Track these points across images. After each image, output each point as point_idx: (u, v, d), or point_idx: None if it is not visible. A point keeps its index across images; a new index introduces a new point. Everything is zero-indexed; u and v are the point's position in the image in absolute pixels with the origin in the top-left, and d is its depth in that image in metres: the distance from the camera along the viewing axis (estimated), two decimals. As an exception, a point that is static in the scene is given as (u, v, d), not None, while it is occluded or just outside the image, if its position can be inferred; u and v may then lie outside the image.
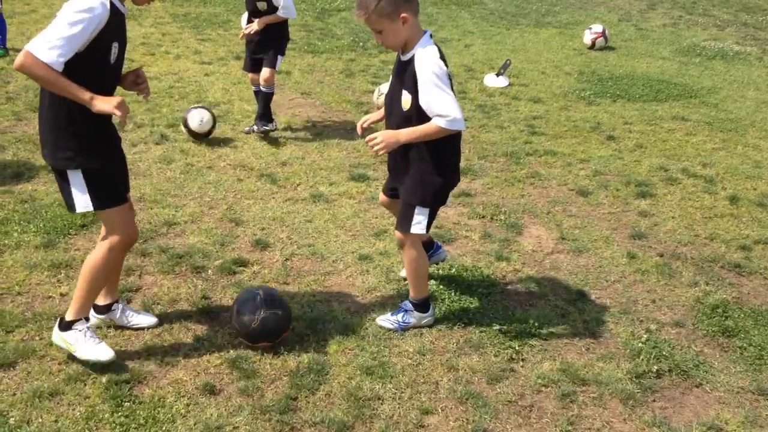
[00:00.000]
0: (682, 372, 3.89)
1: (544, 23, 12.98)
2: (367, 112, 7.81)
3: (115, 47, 3.39)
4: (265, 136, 7.00)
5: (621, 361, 3.95)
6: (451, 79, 3.69)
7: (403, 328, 4.08)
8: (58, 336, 3.66)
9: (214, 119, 6.80)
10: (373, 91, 8.16)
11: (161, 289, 4.41)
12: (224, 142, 6.85)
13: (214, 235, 5.10)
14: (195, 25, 11.52)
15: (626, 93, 8.89)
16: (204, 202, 5.61)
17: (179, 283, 4.49)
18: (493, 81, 9.10)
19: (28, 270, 4.53)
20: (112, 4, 3.29)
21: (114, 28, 3.33)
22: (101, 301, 3.89)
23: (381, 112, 4.07)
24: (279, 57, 6.87)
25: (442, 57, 3.67)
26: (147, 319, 4.01)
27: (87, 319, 3.66)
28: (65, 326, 3.63)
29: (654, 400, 3.69)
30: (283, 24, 6.85)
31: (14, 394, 3.49)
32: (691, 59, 10.76)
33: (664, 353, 4.01)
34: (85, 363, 3.62)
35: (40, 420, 3.34)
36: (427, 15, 13.12)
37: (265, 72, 6.80)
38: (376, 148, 3.65)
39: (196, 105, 7.09)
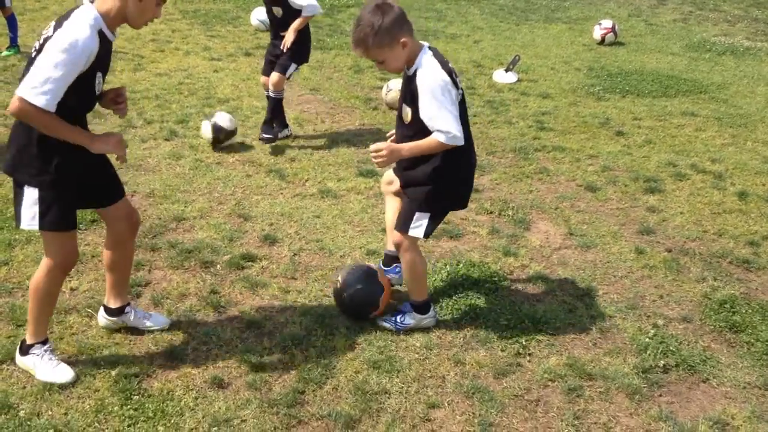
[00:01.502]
0: (689, 367, 3.89)
1: (554, 19, 12.95)
2: (375, 109, 7.85)
3: (99, 77, 3.30)
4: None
5: (628, 356, 3.96)
6: (456, 84, 3.69)
7: (402, 330, 4.09)
8: (19, 360, 3.63)
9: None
10: (381, 87, 8.17)
11: (170, 284, 4.44)
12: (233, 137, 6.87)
13: (223, 230, 5.13)
14: (204, 22, 11.57)
15: (636, 88, 8.87)
16: (213, 198, 5.64)
17: (188, 278, 4.52)
18: (502, 77, 9.09)
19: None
20: (101, 32, 3.18)
21: (101, 58, 3.23)
22: (113, 304, 3.86)
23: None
24: (293, 64, 6.56)
25: (445, 63, 3.68)
26: (160, 320, 3.99)
27: (45, 342, 3.60)
28: (24, 350, 3.60)
29: (660, 395, 3.69)
30: (306, 26, 6.53)
31: (24, 387, 3.53)
32: (701, 55, 10.72)
33: (671, 348, 4.01)
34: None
35: (50, 413, 3.38)
36: (437, 11, 13.12)
37: (274, 76, 6.56)
38: (377, 160, 3.72)
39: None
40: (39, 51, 3.14)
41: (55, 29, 3.15)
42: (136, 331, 3.94)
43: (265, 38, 10.75)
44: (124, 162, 3.46)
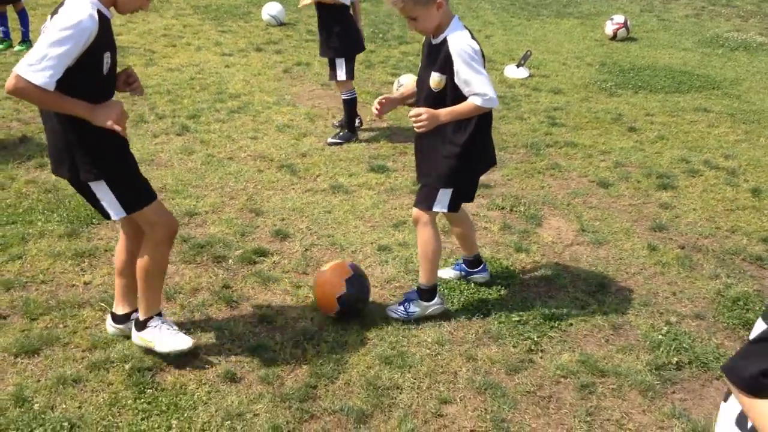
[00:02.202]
0: (702, 364, 3.87)
1: (565, 14, 12.90)
2: (386, 104, 7.83)
3: (107, 57, 3.26)
4: (283, 128, 7.04)
5: (641, 352, 3.94)
6: (484, 58, 3.76)
7: (410, 318, 4.10)
8: (136, 337, 3.69)
9: None
10: (392, 83, 8.16)
11: (183, 279, 4.46)
12: (244, 133, 6.89)
13: (235, 225, 5.14)
14: (216, 17, 11.58)
15: (648, 84, 8.83)
16: (225, 193, 5.65)
17: (201, 273, 4.53)
18: (513, 72, 9.06)
19: (52, 259, 4.59)
20: (99, 12, 3.15)
21: (104, 37, 3.21)
22: (120, 310, 3.85)
23: (398, 93, 4.16)
24: (338, 61, 6.55)
25: (473, 38, 3.76)
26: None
27: (160, 314, 3.69)
28: (141, 326, 3.67)
29: (674, 392, 3.68)
30: (340, 16, 6.46)
31: (38, 381, 3.55)
32: (714, 50, 10.66)
33: (684, 345, 3.99)
34: (166, 356, 3.67)
35: (64, 406, 3.39)
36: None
37: (337, 83, 6.78)
38: (418, 125, 3.72)
39: None
40: None
41: (51, 18, 3.15)
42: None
43: (276, 33, 10.79)
44: (124, 134, 3.33)
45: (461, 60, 3.64)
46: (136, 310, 3.86)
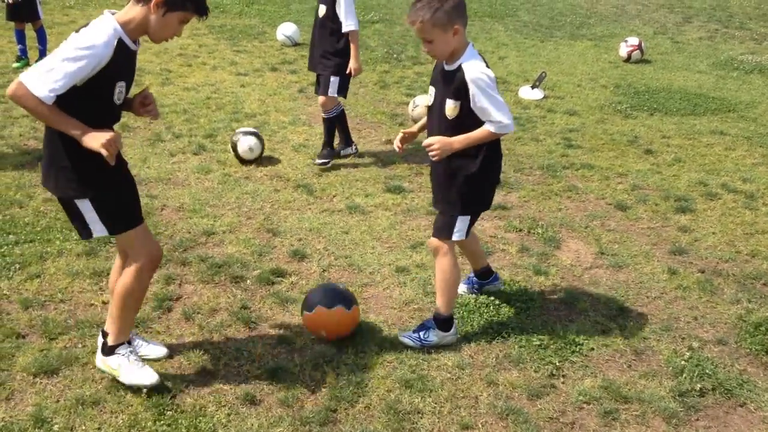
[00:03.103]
0: (725, 391, 3.82)
1: (579, 36, 12.92)
2: (401, 124, 7.84)
3: (120, 86, 3.25)
4: (299, 148, 7.04)
5: (663, 378, 3.90)
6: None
7: (424, 346, 4.06)
8: (101, 361, 3.61)
9: (263, 145, 6.63)
10: (407, 103, 8.17)
11: (201, 299, 4.44)
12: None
13: (252, 245, 5.13)
14: (231, 37, 11.65)
15: (663, 106, 8.81)
16: (242, 212, 5.65)
17: (219, 293, 4.52)
18: (528, 93, 9.07)
19: (71, 278, 4.59)
20: (120, 41, 3.14)
21: (121, 66, 3.20)
22: None
23: (417, 126, 4.24)
24: (332, 79, 6.40)
25: (488, 66, 3.78)
26: (156, 350, 3.88)
27: (129, 343, 3.61)
28: (108, 351, 3.58)
29: (697, 419, 3.63)
30: (341, 38, 6.39)
31: (58, 401, 3.53)
32: (729, 73, 10.64)
33: (707, 371, 3.94)
34: (129, 386, 3.58)
35: (83, 427, 3.37)
36: (461, 27, 13.11)
37: (320, 98, 6.58)
38: (432, 153, 3.76)
39: (245, 131, 6.68)
40: None
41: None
42: (167, 345, 3.94)
43: (291, 53, 10.83)
44: (111, 162, 3.23)
45: (477, 88, 3.66)
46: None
